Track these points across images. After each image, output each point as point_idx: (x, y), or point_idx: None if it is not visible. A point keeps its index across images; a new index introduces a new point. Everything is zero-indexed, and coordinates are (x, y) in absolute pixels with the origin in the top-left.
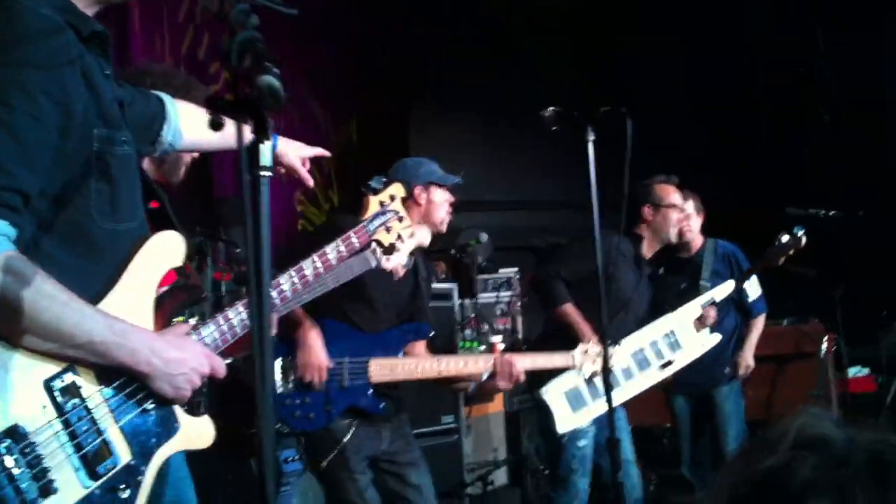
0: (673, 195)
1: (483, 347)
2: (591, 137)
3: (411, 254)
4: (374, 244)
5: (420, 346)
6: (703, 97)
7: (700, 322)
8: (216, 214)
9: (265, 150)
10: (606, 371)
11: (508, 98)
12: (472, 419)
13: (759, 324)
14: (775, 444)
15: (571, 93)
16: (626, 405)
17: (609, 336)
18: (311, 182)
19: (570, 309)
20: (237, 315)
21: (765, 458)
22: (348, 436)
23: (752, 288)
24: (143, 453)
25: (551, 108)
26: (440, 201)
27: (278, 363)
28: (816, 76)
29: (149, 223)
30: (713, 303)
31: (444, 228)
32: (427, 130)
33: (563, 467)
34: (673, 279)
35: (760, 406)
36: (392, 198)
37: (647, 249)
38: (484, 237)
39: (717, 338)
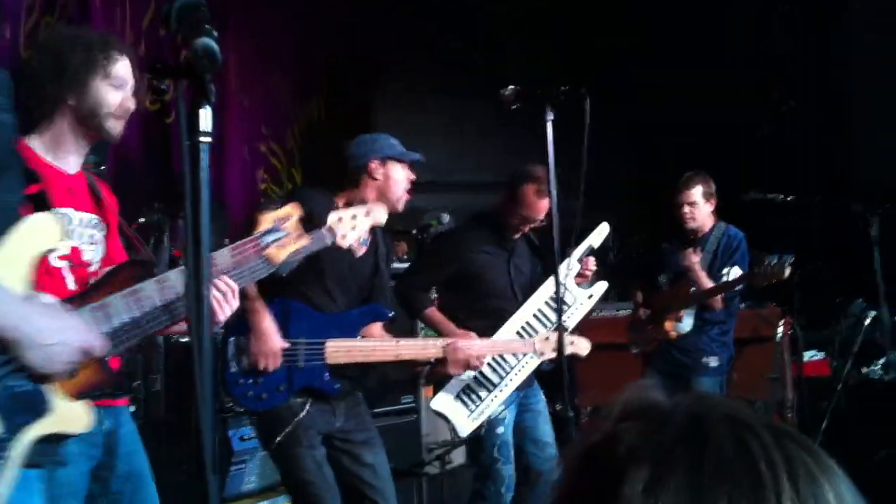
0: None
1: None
2: (550, 117)
3: (372, 231)
4: (330, 223)
5: (378, 327)
6: (667, 80)
7: (582, 277)
8: (177, 190)
9: (205, 115)
10: (561, 352)
11: (475, 77)
12: (430, 398)
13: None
14: (603, 420)
15: (540, 72)
16: (587, 385)
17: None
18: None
19: (430, 313)
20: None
21: (592, 435)
22: (302, 414)
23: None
24: (11, 429)
25: (511, 87)
26: (398, 178)
27: (231, 342)
28: (779, 62)
29: (29, 206)
30: (590, 252)
31: (400, 207)
32: (392, 109)
33: (487, 457)
34: (676, 258)
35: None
36: (286, 217)
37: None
38: (446, 218)
39: (603, 285)
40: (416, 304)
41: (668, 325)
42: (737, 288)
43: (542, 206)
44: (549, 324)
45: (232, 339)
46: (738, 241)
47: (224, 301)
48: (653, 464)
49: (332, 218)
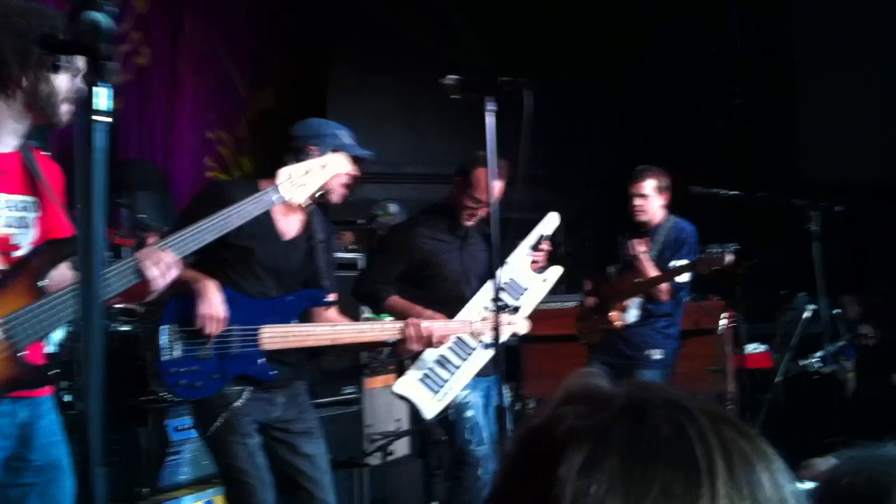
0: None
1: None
2: (491, 107)
3: (307, 215)
4: (278, 180)
5: (321, 312)
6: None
7: (536, 264)
8: (119, 177)
9: (101, 92)
10: (497, 338)
11: (430, 68)
12: (375, 390)
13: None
14: (546, 405)
15: (496, 63)
16: (533, 374)
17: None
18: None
19: (394, 300)
20: None
21: (534, 418)
22: (239, 402)
23: (683, 276)
24: None
25: (452, 76)
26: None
27: (163, 329)
28: (731, 55)
29: None
30: (541, 238)
31: (334, 199)
32: (345, 100)
33: (459, 442)
34: (626, 251)
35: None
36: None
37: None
38: (393, 208)
39: (557, 269)
40: (378, 296)
41: (614, 314)
42: (683, 279)
43: (495, 188)
44: (505, 308)
45: (165, 327)
46: (688, 234)
47: (163, 273)
48: (589, 445)
49: (281, 174)
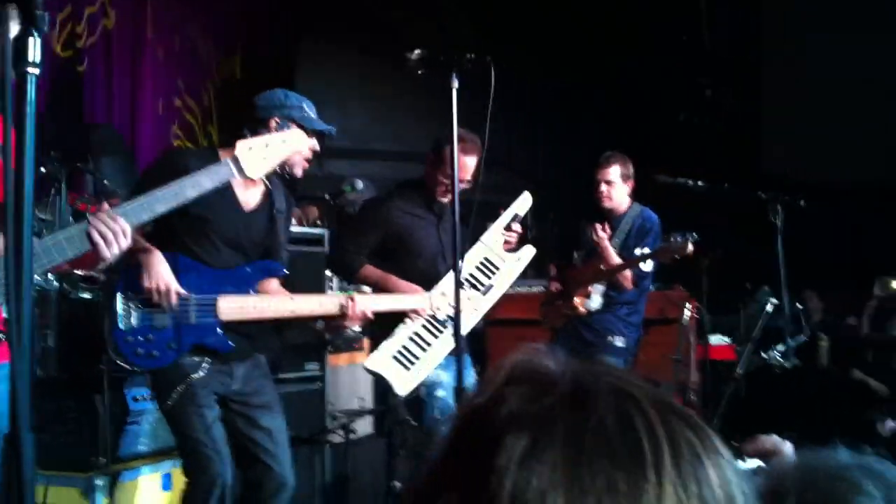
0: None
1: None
2: (455, 84)
3: (266, 188)
4: (237, 152)
5: (275, 284)
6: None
7: (508, 244)
8: (85, 141)
9: (33, 43)
10: (458, 317)
11: (399, 45)
12: (338, 367)
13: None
14: (488, 383)
15: (465, 39)
16: (498, 359)
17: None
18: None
19: (368, 270)
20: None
21: (477, 396)
22: (198, 374)
23: (647, 265)
24: None
25: (417, 51)
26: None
27: (119, 298)
28: (700, 46)
29: None
30: (515, 218)
31: (297, 173)
32: (314, 73)
33: (428, 421)
34: (589, 235)
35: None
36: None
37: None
38: (359, 184)
39: (530, 249)
40: (351, 267)
41: (577, 300)
42: (647, 267)
43: (468, 165)
44: (480, 287)
45: (119, 294)
46: (652, 223)
47: (113, 240)
48: (531, 433)
49: (240, 147)
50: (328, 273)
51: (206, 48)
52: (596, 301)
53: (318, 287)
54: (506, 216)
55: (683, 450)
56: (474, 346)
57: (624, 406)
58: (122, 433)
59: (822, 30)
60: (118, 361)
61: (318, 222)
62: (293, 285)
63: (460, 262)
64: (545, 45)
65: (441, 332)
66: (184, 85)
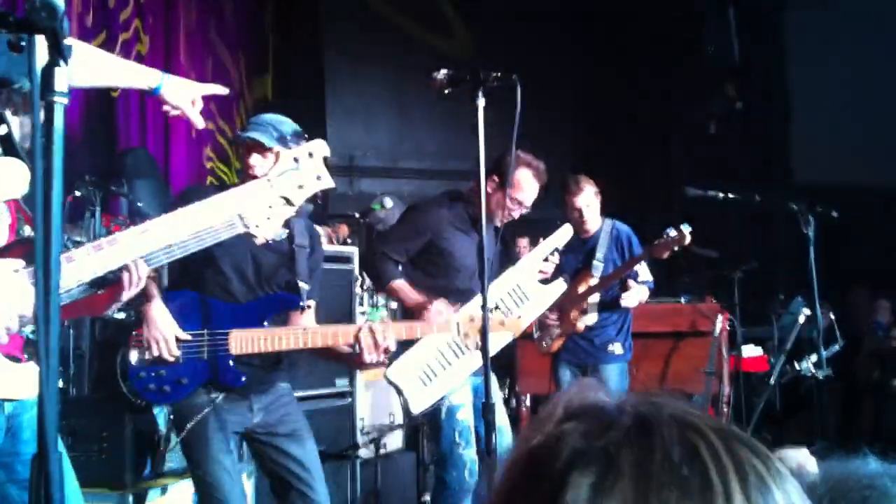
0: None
1: (384, 314)
2: (482, 103)
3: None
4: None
5: (297, 316)
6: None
7: (543, 274)
8: (119, 166)
9: (61, 73)
10: (485, 339)
11: (427, 60)
12: (368, 383)
13: (643, 289)
14: (545, 421)
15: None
16: (526, 373)
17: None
18: (200, 124)
19: (396, 285)
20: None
21: (534, 437)
22: (206, 410)
23: (643, 272)
24: None
25: (442, 71)
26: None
27: (134, 334)
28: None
29: None
30: (554, 251)
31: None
32: (343, 92)
33: (445, 443)
34: (568, 259)
35: (654, 380)
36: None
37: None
38: (388, 202)
39: (561, 285)
40: (384, 276)
41: (573, 316)
42: (644, 275)
43: (534, 192)
44: (507, 311)
45: (134, 332)
46: (627, 231)
47: (129, 281)
48: (598, 468)
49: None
50: (357, 291)
51: (237, 70)
52: (592, 317)
53: (347, 304)
54: (545, 247)
55: (750, 476)
56: (501, 361)
57: (688, 436)
58: (152, 452)
59: (848, 34)
60: (130, 397)
61: (348, 240)
62: (322, 303)
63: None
64: (573, 62)
65: (463, 353)
66: (216, 107)
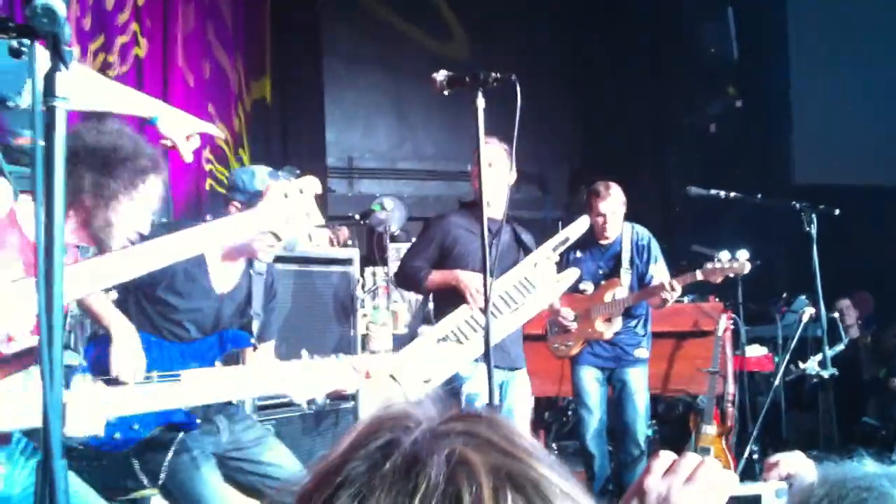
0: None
1: (387, 317)
2: (481, 104)
3: (247, 270)
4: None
5: (250, 353)
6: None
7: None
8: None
9: (62, 78)
10: (487, 339)
11: (425, 61)
12: (371, 384)
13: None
14: (338, 447)
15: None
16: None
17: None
18: (188, 158)
19: (433, 277)
20: None
21: (335, 449)
22: (174, 446)
23: (661, 274)
24: None
25: (442, 72)
26: None
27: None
28: (729, 58)
29: None
30: (565, 241)
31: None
32: (342, 94)
33: None
34: (587, 264)
35: (658, 380)
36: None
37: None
38: (389, 203)
39: (574, 273)
40: (417, 278)
41: (601, 324)
42: (660, 276)
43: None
44: (513, 304)
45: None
46: (649, 236)
47: None
48: (358, 497)
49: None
50: (359, 294)
51: (235, 73)
52: (618, 324)
53: (348, 307)
54: (558, 237)
55: None
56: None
57: (456, 480)
58: (156, 457)
59: (850, 34)
60: (76, 445)
61: (349, 243)
62: (323, 306)
63: (490, 279)
64: (575, 63)
65: (475, 331)
66: (214, 110)
